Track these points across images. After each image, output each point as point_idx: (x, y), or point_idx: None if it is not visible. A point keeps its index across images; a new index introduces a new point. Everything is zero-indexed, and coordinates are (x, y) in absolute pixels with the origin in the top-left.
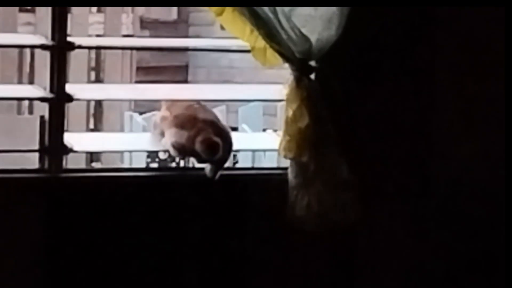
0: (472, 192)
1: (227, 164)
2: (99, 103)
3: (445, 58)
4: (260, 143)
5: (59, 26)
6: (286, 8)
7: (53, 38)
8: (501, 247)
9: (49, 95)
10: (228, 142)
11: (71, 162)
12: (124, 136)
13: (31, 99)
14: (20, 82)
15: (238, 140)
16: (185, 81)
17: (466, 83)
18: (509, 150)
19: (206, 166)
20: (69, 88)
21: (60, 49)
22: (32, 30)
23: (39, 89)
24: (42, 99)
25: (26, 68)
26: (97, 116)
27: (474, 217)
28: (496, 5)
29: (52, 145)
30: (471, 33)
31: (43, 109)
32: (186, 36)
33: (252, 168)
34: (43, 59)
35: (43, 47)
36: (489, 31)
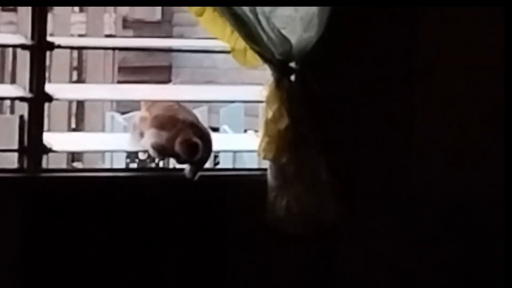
0: (455, 193)
1: (206, 165)
2: (81, 103)
3: (428, 60)
4: (240, 144)
5: (39, 25)
6: (266, 9)
7: (32, 38)
8: (486, 247)
9: (28, 95)
10: (208, 143)
11: (52, 162)
12: (104, 136)
13: (9, 99)
14: (2, 81)
15: (219, 141)
16: (169, 81)
17: (451, 85)
18: (508, 152)
19: (186, 167)
20: (49, 88)
21: (39, 48)
22: (14, 29)
23: (19, 89)
24: (21, 99)
25: (9, 68)
26: (78, 116)
27: (457, 218)
28: (496, 5)
29: (31, 144)
30: (456, 34)
31: (25, 109)
32: (170, 36)
33: (232, 169)
34: (25, 59)
35: (22, 46)
36: (475, 31)
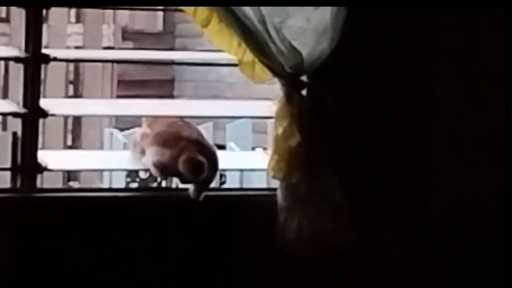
0: (471, 217)
1: (212, 185)
2: (77, 119)
3: (445, 74)
4: (248, 162)
5: (33, 37)
6: (276, 20)
7: (27, 50)
8: (500, 272)
9: (22, 110)
10: (213, 162)
11: (47, 181)
12: (103, 154)
13: (2, 115)
14: None
15: (225, 159)
16: (171, 96)
17: (466, 103)
18: (509, 173)
19: (190, 187)
20: (44, 103)
21: (34, 61)
22: (7, 41)
23: (12, 104)
24: (14, 115)
25: (1, 82)
26: (75, 132)
27: (472, 242)
28: (496, 5)
29: (25, 163)
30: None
31: (19, 125)
32: (173, 49)
33: (239, 189)
34: (18, 72)
35: (16, 59)
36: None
